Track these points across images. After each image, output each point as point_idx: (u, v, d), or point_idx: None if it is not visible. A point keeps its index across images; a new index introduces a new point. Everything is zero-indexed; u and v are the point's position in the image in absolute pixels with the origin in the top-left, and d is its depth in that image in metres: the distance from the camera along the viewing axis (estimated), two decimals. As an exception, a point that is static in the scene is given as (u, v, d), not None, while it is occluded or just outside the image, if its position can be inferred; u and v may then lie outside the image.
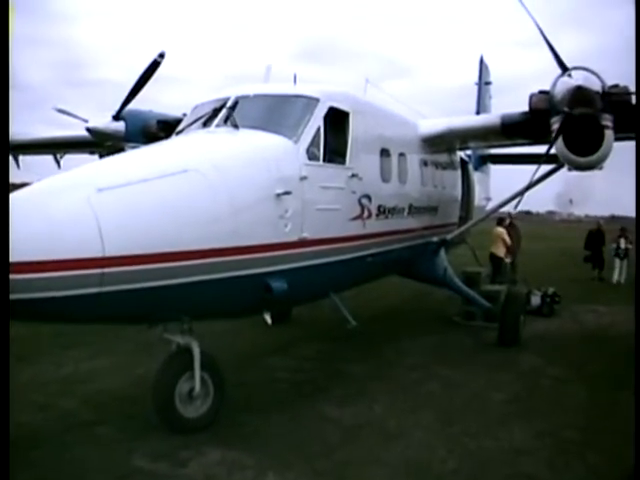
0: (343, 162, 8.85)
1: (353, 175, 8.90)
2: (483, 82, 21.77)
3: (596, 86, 9.01)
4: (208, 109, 8.77)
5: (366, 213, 9.41)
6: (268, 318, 8.17)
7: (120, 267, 5.75)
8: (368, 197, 9.42)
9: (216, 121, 8.40)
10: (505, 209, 15.20)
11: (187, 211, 6.35)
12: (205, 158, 6.98)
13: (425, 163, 11.99)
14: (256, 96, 8.76)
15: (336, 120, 8.81)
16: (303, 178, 7.83)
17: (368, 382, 9.92)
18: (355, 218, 9.12)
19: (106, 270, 5.61)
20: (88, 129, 12.17)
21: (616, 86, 9.17)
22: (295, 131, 8.10)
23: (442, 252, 12.95)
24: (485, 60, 22.34)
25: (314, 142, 8.25)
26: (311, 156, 8.15)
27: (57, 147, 16.43)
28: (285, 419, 8.14)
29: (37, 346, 11.25)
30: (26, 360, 10.27)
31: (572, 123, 9.23)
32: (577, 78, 9.05)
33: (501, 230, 18.17)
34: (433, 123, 12.00)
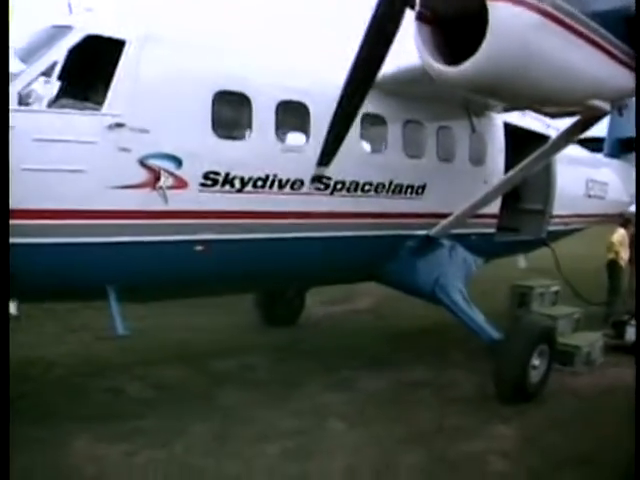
0: (98, 107, 6.22)
1: (119, 125, 6.19)
2: None
3: None
4: None
5: (168, 181, 6.56)
6: None
7: None
8: (174, 159, 6.56)
9: None
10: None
11: None
12: None
13: (379, 120, 8.33)
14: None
15: (102, 52, 6.33)
16: None
17: (230, 421, 7.33)
18: (133, 187, 6.37)
19: None
20: None
21: None
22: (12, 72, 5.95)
23: (439, 253, 9.11)
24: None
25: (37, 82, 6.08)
26: (26, 100, 6.00)
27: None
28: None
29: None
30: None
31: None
32: None
33: (620, 233, 12.96)
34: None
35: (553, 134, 10.98)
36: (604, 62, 6.43)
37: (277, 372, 8.98)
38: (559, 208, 11.42)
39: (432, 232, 8.85)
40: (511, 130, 10.25)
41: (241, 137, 7.10)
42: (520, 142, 10.35)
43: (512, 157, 10.52)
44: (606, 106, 6.85)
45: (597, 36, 6.26)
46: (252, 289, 9.04)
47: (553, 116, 8.84)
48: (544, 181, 11.18)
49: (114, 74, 6.28)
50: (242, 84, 7.01)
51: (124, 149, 6.24)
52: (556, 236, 11.94)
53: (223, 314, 11.85)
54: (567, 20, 5.87)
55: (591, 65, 6.33)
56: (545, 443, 7.07)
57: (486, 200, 8.74)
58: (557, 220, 11.56)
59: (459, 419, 7.64)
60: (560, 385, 8.93)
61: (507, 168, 10.22)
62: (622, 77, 6.76)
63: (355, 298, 13.69)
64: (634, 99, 7.92)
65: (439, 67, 5.93)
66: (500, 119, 10.08)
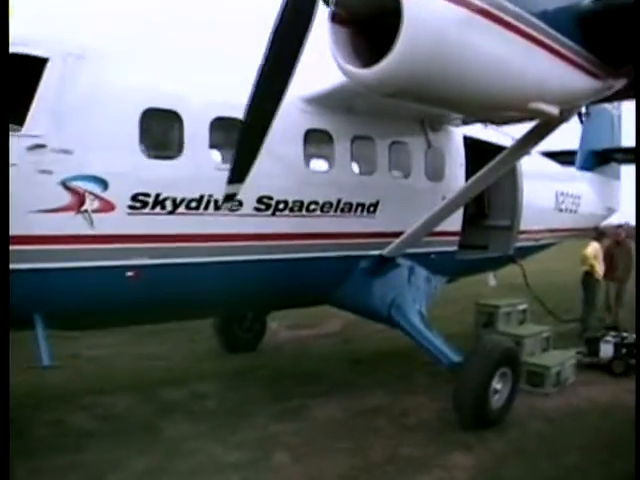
0: (19, 128, 5.93)
1: (39, 146, 5.89)
2: None
3: None
4: None
5: (94, 204, 6.22)
6: None
7: None
8: (99, 180, 6.24)
9: None
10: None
11: None
12: None
13: (325, 136, 8.02)
14: None
15: (26, 71, 6.02)
16: None
17: (170, 454, 6.93)
18: (56, 210, 6.04)
19: None
20: None
21: None
22: None
23: (395, 273, 8.78)
24: None
25: None
26: None
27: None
28: None
29: None
30: None
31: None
32: None
33: (594, 246, 12.65)
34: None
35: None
36: (548, 61, 5.88)
37: (228, 401, 8.56)
38: (528, 223, 11.08)
39: (385, 252, 8.50)
40: (473, 144, 9.94)
41: (172, 156, 6.75)
42: (484, 156, 10.07)
43: (475, 171, 10.26)
44: (553, 110, 6.23)
45: (540, 34, 5.70)
46: (191, 316, 8.58)
47: (500, 124, 8.53)
48: (510, 196, 10.87)
49: (35, 93, 6.00)
50: (172, 101, 6.70)
51: (45, 171, 5.94)
52: (526, 252, 11.61)
53: (184, 341, 11.50)
54: (502, 16, 5.35)
55: (532, 65, 5.77)
56: (505, 474, 6.67)
57: (441, 216, 8.36)
58: (526, 236, 11.23)
59: (414, 448, 7.23)
60: (528, 408, 8.57)
61: (470, 183, 9.93)
62: (571, 79, 6.25)
63: (323, 322, 13.32)
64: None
65: (352, 70, 5.37)
66: (459, 133, 9.77)
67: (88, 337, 10.28)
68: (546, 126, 7.30)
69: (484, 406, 7.75)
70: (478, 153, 9.87)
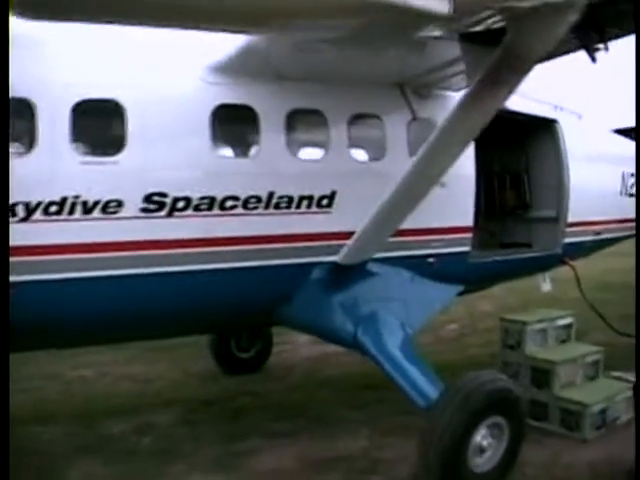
0: None
1: None
2: None
3: None
4: None
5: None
6: None
7: None
8: None
9: None
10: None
11: None
12: None
13: (245, 113, 6.36)
14: None
15: None
16: None
17: None
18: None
19: None
20: None
21: None
22: None
23: (366, 284, 6.97)
24: None
25: None
26: None
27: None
28: None
29: None
30: None
31: None
32: None
33: None
34: None
35: (564, 117, 8.44)
36: None
37: (169, 438, 7.24)
38: (582, 213, 8.61)
39: (340, 258, 6.69)
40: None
41: (22, 153, 5.56)
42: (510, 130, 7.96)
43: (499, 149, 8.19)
44: (434, 5, 3.52)
45: None
46: (75, 343, 7.18)
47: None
48: (554, 180, 8.50)
49: None
50: (22, 87, 5.47)
51: None
52: (584, 249, 9.06)
53: (189, 359, 10.29)
54: None
55: None
56: None
57: (401, 207, 6.30)
58: (580, 229, 8.73)
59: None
60: (548, 463, 6.47)
61: (487, 164, 7.86)
62: None
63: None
64: None
65: None
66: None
67: (84, 354, 9.45)
68: (504, 64, 5.04)
69: (459, 470, 5.68)
70: (504, 127, 7.68)
